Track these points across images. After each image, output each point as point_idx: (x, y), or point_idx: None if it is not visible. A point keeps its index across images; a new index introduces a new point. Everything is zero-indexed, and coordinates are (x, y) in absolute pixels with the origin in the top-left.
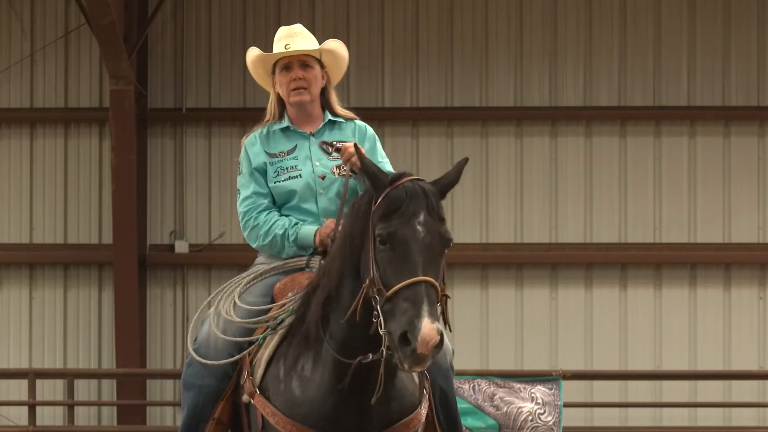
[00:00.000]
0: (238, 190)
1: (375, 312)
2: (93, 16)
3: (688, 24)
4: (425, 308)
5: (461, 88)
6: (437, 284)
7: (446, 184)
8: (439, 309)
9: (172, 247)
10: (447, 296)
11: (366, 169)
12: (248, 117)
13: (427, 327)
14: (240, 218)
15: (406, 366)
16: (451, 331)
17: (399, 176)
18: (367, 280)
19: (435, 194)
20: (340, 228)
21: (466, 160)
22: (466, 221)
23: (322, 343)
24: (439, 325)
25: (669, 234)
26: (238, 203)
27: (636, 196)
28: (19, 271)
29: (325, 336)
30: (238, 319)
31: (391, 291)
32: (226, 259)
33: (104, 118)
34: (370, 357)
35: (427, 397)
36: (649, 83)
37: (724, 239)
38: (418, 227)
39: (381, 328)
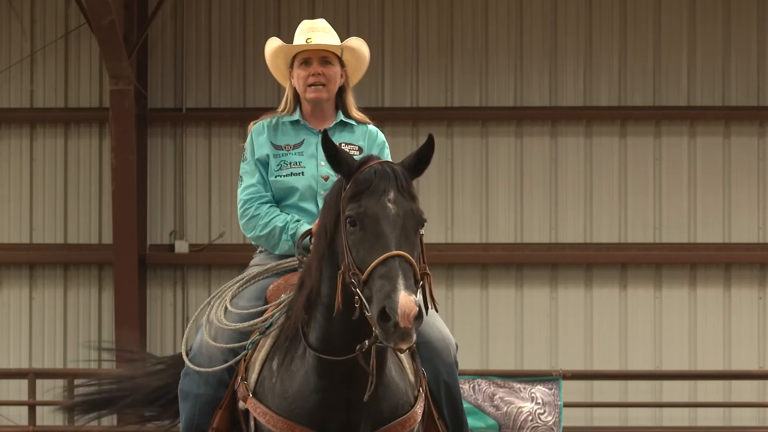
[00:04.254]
0: (241, 176)
1: (356, 298)
2: (93, 16)
3: (688, 24)
4: (401, 282)
5: (461, 88)
6: (412, 258)
7: (416, 164)
8: (419, 288)
9: (172, 247)
10: (428, 274)
11: (332, 154)
12: (248, 117)
13: (404, 299)
14: (239, 205)
15: (392, 344)
16: (437, 311)
17: (367, 159)
18: (342, 266)
19: (405, 174)
20: (316, 225)
21: (430, 137)
22: (466, 221)
23: (303, 342)
24: (417, 298)
25: (669, 234)
26: (239, 190)
27: (636, 196)
28: (19, 271)
29: (307, 337)
30: (229, 325)
31: (366, 272)
32: (226, 259)
33: (104, 118)
34: (366, 344)
35: (424, 395)
36: (649, 83)
37: (724, 239)
38: (388, 204)
39: (367, 312)
